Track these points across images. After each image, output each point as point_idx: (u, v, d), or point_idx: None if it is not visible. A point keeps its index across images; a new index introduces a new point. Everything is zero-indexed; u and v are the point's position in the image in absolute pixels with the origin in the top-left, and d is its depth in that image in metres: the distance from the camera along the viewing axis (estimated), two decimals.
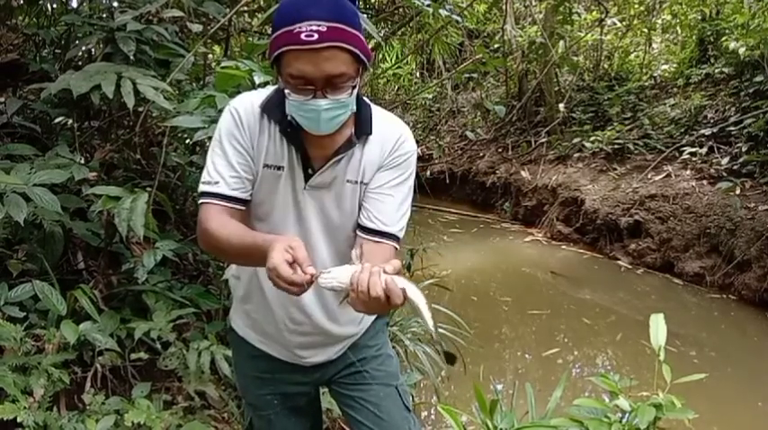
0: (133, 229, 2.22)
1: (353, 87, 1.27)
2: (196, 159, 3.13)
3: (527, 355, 4.70)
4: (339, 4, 1.23)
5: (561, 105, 8.47)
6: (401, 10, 5.39)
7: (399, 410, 1.62)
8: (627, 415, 1.78)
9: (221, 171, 1.37)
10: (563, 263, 6.79)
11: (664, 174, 6.81)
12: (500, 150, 9.63)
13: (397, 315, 3.37)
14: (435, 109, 10.99)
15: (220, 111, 2.25)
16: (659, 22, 9.37)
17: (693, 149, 6.76)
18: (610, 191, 7.14)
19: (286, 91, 1.27)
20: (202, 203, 1.38)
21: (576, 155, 8.07)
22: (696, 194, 6.25)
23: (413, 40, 7.89)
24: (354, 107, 1.33)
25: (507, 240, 7.84)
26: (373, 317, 1.65)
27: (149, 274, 2.53)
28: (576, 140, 8.09)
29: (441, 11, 3.71)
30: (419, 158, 1.50)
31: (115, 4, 3.17)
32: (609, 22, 8.85)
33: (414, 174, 1.46)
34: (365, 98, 1.43)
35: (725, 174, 6.23)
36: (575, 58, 9.16)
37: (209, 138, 2.27)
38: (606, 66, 9.38)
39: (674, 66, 8.67)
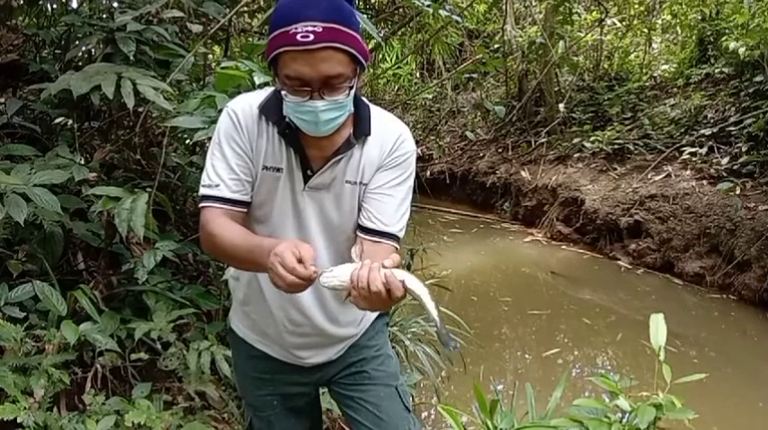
0: (133, 230, 2.22)
1: (351, 88, 1.27)
2: (196, 160, 3.13)
3: (527, 355, 4.70)
4: (335, 5, 1.22)
5: (561, 105, 8.46)
6: (401, 10, 5.39)
7: (399, 410, 1.62)
8: (627, 415, 1.78)
9: (221, 174, 1.37)
10: (563, 263, 6.79)
11: (664, 175, 6.81)
12: (500, 150, 9.63)
13: (397, 315, 3.37)
14: (435, 109, 10.99)
15: (220, 111, 2.25)
16: (659, 22, 9.37)
17: (693, 149, 6.76)
18: (610, 191, 7.14)
19: (283, 92, 1.26)
20: (204, 207, 1.38)
21: (576, 155, 8.07)
22: (696, 194, 6.25)
23: (413, 40, 7.90)
24: (352, 108, 1.32)
25: (507, 240, 7.84)
26: (373, 317, 1.65)
27: (149, 275, 2.53)
28: (576, 140, 8.09)
29: (441, 11, 3.71)
30: (419, 158, 1.50)
31: (115, 4, 3.17)
32: (609, 22, 8.85)
33: (413, 174, 1.46)
34: (364, 98, 1.43)
35: (725, 174, 6.22)
36: (575, 58, 9.16)
37: (209, 139, 2.27)
38: (606, 66, 9.38)
39: (674, 66, 8.66)
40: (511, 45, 8.90)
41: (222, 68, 2.39)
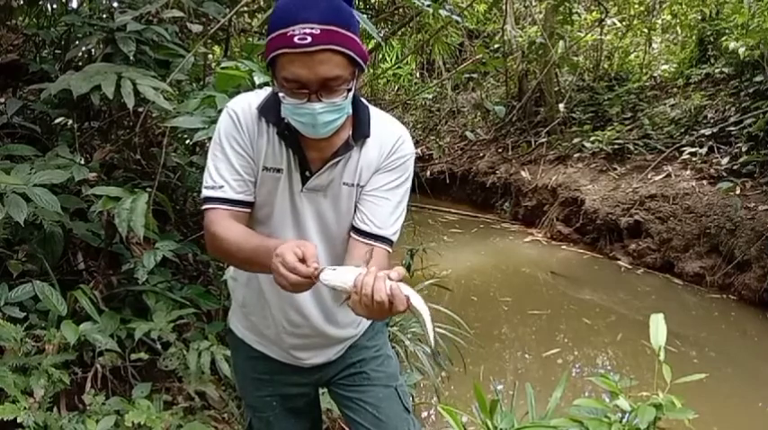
0: (133, 230, 2.22)
1: (349, 90, 1.26)
2: (196, 160, 3.13)
3: (527, 355, 4.70)
4: (333, 6, 1.21)
5: (561, 105, 8.46)
6: (401, 10, 5.39)
7: (399, 411, 1.62)
8: (627, 415, 1.78)
9: (224, 175, 1.36)
10: (563, 263, 6.79)
11: (664, 175, 6.81)
12: (500, 150, 9.63)
13: (397, 315, 3.37)
14: (435, 109, 10.99)
15: (220, 111, 2.25)
16: (659, 22, 9.37)
17: (693, 149, 6.76)
18: (610, 191, 7.14)
19: (281, 94, 1.26)
20: (208, 209, 1.38)
21: (576, 155, 8.07)
22: (696, 194, 6.25)
23: (413, 40, 7.90)
24: (350, 110, 1.32)
25: (507, 240, 7.84)
26: None
27: (149, 275, 2.53)
28: (576, 140, 8.09)
29: (441, 11, 3.71)
30: (419, 158, 1.49)
31: (115, 4, 3.17)
32: (609, 22, 8.85)
33: (411, 178, 1.45)
34: (363, 100, 1.42)
35: (725, 174, 6.22)
36: (575, 58, 9.16)
37: (209, 139, 2.28)
38: (606, 66, 9.38)
39: (674, 66, 8.67)
40: (511, 45, 8.90)
41: (222, 68, 2.39)
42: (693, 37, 8.53)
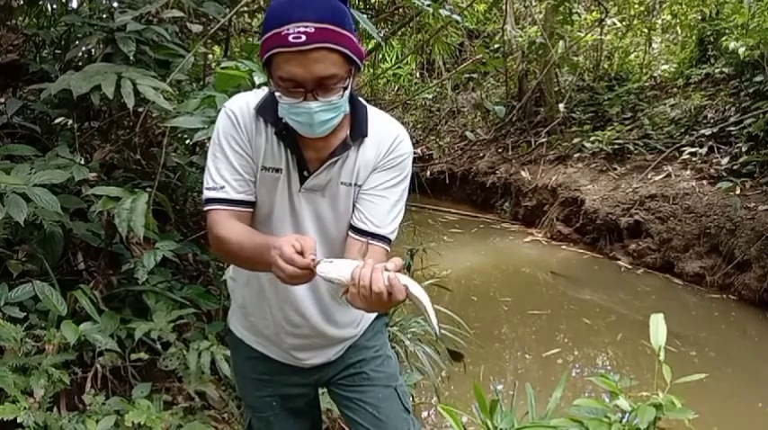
0: (133, 230, 2.22)
1: (345, 89, 1.26)
2: (196, 160, 3.13)
3: (527, 355, 4.70)
4: (327, 5, 1.21)
5: (561, 105, 8.46)
6: (401, 10, 5.39)
7: (399, 411, 1.62)
8: (627, 415, 1.78)
9: (225, 175, 1.36)
10: (563, 263, 6.79)
11: (664, 175, 6.81)
12: (500, 150, 9.63)
13: (397, 315, 3.37)
14: (435, 109, 11.00)
15: (220, 111, 2.26)
16: (659, 22, 9.37)
17: (693, 149, 6.76)
18: (610, 191, 7.14)
19: (277, 94, 1.26)
20: (210, 210, 1.38)
21: (576, 155, 8.07)
22: (696, 194, 6.25)
23: (413, 40, 7.90)
24: (347, 109, 1.32)
25: (507, 240, 7.84)
26: (372, 318, 1.64)
27: (149, 275, 2.53)
28: (575, 140, 8.09)
29: (441, 11, 3.71)
30: (419, 158, 1.49)
31: (115, 4, 3.17)
32: (609, 22, 8.85)
33: (409, 177, 1.45)
34: (361, 99, 1.42)
35: (725, 174, 6.22)
36: (575, 58, 9.16)
37: (209, 139, 2.28)
38: (606, 66, 9.38)
39: (674, 66, 8.67)
40: (511, 45, 8.90)
41: (222, 68, 2.39)
42: (693, 37, 8.53)
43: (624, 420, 1.77)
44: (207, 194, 1.38)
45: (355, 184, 1.41)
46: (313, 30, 1.17)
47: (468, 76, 9.17)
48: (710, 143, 6.74)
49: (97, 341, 2.26)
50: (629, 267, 6.50)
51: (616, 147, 7.56)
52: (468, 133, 9.18)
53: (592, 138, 7.86)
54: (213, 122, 2.23)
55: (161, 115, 2.78)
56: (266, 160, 1.38)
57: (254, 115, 1.36)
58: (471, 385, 2.44)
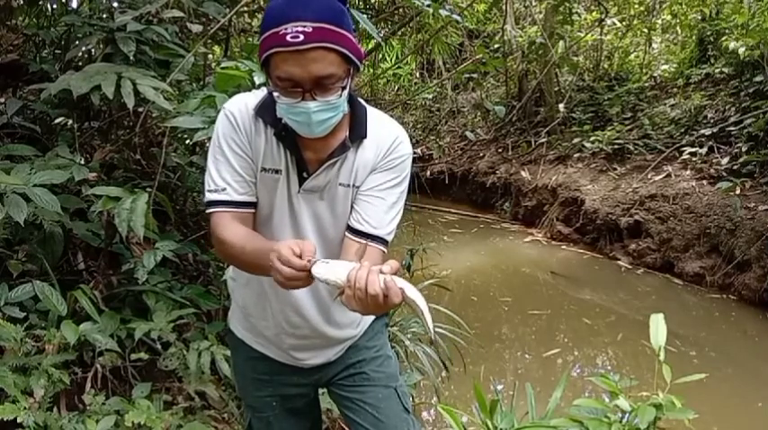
0: (133, 230, 2.22)
1: (343, 88, 1.25)
2: (196, 160, 3.13)
3: (527, 355, 4.70)
4: (325, 4, 1.21)
5: (561, 105, 8.47)
6: (401, 10, 5.39)
7: (399, 412, 1.62)
8: (627, 415, 1.78)
9: (226, 177, 1.36)
10: (563, 263, 6.79)
11: (664, 175, 6.81)
12: (500, 150, 9.64)
13: (397, 315, 3.37)
14: (435, 109, 11.00)
15: (220, 111, 2.25)
16: (659, 22, 9.37)
17: (693, 149, 6.76)
18: (610, 191, 7.14)
19: (275, 94, 1.25)
20: (212, 213, 1.38)
21: (576, 155, 8.07)
22: (696, 194, 6.25)
23: (413, 40, 7.89)
24: (346, 108, 1.31)
25: (507, 240, 7.84)
26: (372, 318, 1.64)
27: (149, 275, 2.53)
28: (575, 140, 8.09)
29: (441, 11, 3.71)
30: (419, 158, 1.49)
31: (115, 4, 3.17)
32: (609, 22, 8.85)
33: (408, 178, 1.45)
34: (360, 100, 1.42)
35: (725, 174, 6.22)
36: (575, 58, 9.16)
37: (209, 139, 2.27)
38: (606, 66, 9.38)
39: (674, 66, 8.67)
40: (511, 45, 8.90)
41: (222, 68, 2.39)
42: (693, 37, 8.53)
43: (624, 420, 1.77)
44: (209, 197, 1.38)
45: (353, 186, 1.40)
46: (311, 29, 1.17)
47: (468, 76, 9.17)
48: (710, 143, 6.74)
49: (97, 341, 2.26)
50: (629, 267, 6.50)
51: (616, 147, 7.57)
52: (468, 133, 9.18)
53: (592, 138, 7.86)
54: (213, 122, 2.23)
55: (161, 115, 2.78)
56: (266, 161, 1.37)
57: (253, 116, 1.36)
58: (471, 385, 2.44)
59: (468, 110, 10.89)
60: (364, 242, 1.38)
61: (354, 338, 1.62)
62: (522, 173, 8.69)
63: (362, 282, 1.12)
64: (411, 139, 1.47)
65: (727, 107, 7.07)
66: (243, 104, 1.37)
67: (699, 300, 5.62)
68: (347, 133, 1.37)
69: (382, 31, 5.36)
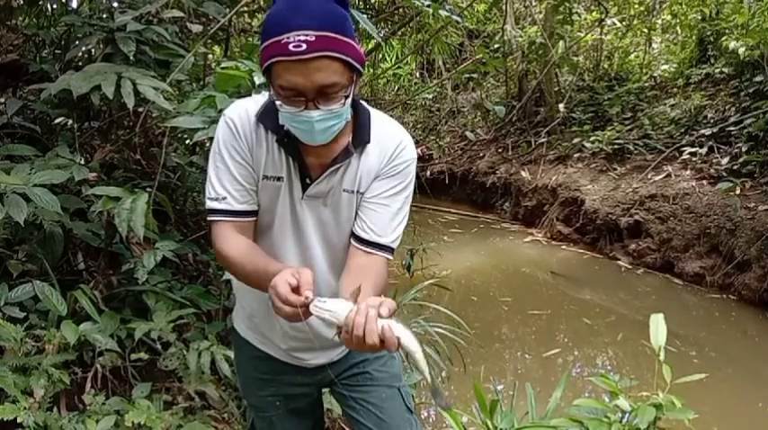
0: (133, 230, 2.22)
1: (347, 97, 1.24)
2: (196, 160, 3.13)
3: (527, 356, 4.69)
4: (327, 11, 1.19)
5: (561, 105, 8.47)
6: (401, 10, 5.40)
7: (401, 412, 1.62)
8: (627, 415, 1.78)
9: (226, 186, 1.35)
10: (563, 263, 6.79)
11: (664, 175, 6.81)
12: (500, 150, 9.64)
13: (397, 315, 3.37)
14: (435, 109, 11.00)
15: (220, 111, 2.26)
16: (659, 22, 9.37)
17: (693, 149, 6.76)
18: (610, 191, 7.14)
19: (278, 102, 1.24)
20: (213, 221, 1.38)
21: (576, 155, 8.07)
22: (696, 194, 6.25)
23: (413, 40, 7.90)
24: (349, 116, 1.30)
25: (507, 240, 7.84)
26: None
27: (149, 275, 2.53)
28: (575, 140, 8.09)
29: (441, 11, 3.71)
30: (419, 159, 1.48)
31: (115, 4, 3.17)
32: (609, 22, 8.85)
33: (412, 183, 1.44)
34: (363, 103, 1.40)
35: (725, 174, 6.22)
36: (575, 58, 9.16)
37: (210, 139, 2.27)
38: (606, 66, 9.38)
39: (674, 66, 8.67)
40: (511, 45, 8.90)
41: (222, 68, 2.39)
42: (693, 37, 8.53)
43: (624, 420, 1.77)
44: (209, 205, 1.38)
45: (358, 192, 1.39)
46: (314, 38, 1.15)
47: (468, 76, 9.17)
48: (710, 143, 6.74)
49: (97, 341, 2.26)
50: (629, 267, 6.50)
51: (616, 147, 7.57)
52: (468, 133, 9.18)
53: (592, 138, 7.86)
54: (213, 122, 2.23)
55: (161, 115, 2.78)
56: (267, 169, 1.36)
57: (254, 123, 1.35)
58: (471, 385, 2.44)
59: (468, 110, 10.89)
60: (369, 250, 1.38)
61: None
62: (522, 173, 8.69)
63: (360, 330, 1.13)
64: (413, 141, 1.46)
65: (727, 107, 7.07)
66: (243, 111, 1.36)
67: (699, 300, 5.62)
68: (350, 138, 1.36)
69: (382, 31, 5.36)
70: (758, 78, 6.65)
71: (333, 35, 1.18)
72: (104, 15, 3.14)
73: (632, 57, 9.39)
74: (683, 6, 8.75)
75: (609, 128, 7.96)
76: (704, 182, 6.36)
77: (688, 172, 6.65)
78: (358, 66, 1.24)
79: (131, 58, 2.58)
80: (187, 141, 3.33)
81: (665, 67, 8.81)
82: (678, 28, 9.19)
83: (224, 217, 1.36)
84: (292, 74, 1.18)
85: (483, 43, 9.60)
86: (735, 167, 6.23)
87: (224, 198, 1.35)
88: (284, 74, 1.19)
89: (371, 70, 8.69)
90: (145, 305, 2.55)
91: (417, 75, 11.68)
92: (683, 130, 7.29)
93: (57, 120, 3.09)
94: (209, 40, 3.50)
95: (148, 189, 2.46)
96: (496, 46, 9.11)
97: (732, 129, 6.61)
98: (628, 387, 1.86)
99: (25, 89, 3.22)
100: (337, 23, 1.19)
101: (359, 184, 1.39)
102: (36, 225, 2.48)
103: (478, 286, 6.11)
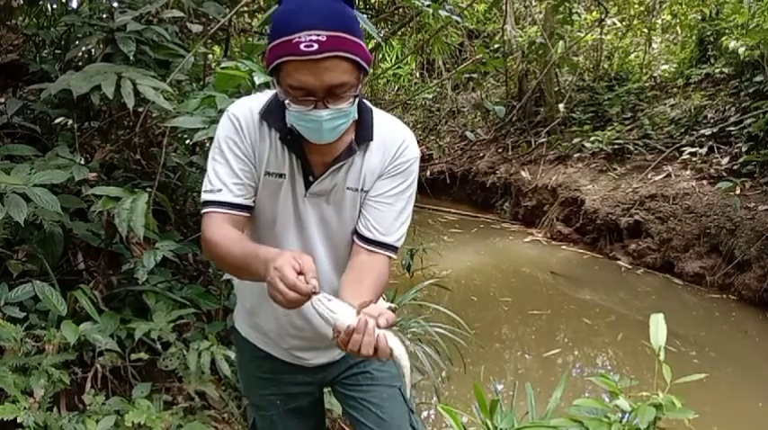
0: (133, 230, 2.22)
1: (355, 96, 1.25)
2: (196, 160, 3.13)
3: (527, 356, 4.70)
4: (338, 12, 1.20)
5: (561, 105, 8.46)
6: (401, 10, 5.40)
7: (402, 411, 1.62)
8: (627, 415, 1.78)
9: (223, 178, 1.35)
10: (563, 263, 6.79)
11: (664, 175, 6.81)
12: (500, 150, 9.64)
13: (397, 315, 3.37)
14: (435, 109, 11.00)
15: (220, 111, 2.25)
16: (659, 22, 9.37)
17: (693, 149, 6.76)
18: (610, 191, 7.14)
19: (286, 101, 1.24)
20: (205, 213, 1.37)
21: (576, 155, 8.07)
22: (696, 194, 6.25)
23: (413, 40, 7.90)
24: (356, 115, 1.30)
25: (507, 240, 7.84)
26: None
27: (149, 275, 2.53)
28: (575, 140, 8.09)
29: (441, 11, 3.71)
30: (419, 158, 1.48)
31: (115, 4, 3.17)
32: (609, 22, 8.85)
33: (416, 181, 1.44)
34: (366, 102, 1.41)
35: (725, 174, 6.22)
36: (575, 58, 9.16)
37: (210, 139, 2.27)
38: (606, 66, 9.38)
39: (674, 66, 8.67)
40: (511, 45, 8.90)
41: (222, 68, 2.39)
42: (693, 37, 8.53)
43: (624, 420, 1.77)
44: (204, 196, 1.37)
45: (362, 190, 1.40)
46: (325, 38, 1.16)
47: (468, 76, 9.16)
48: (710, 143, 6.74)
49: (97, 341, 2.26)
50: (629, 267, 6.50)
51: (616, 147, 7.57)
52: (468, 133, 9.18)
53: (592, 138, 7.86)
54: (213, 122, 2.23)
55: (161, 115, 2.78)
56: (269, 166, 1.36)
57: (258, 120, 1.35)
58: (471, 385, 2.44)
59: (468, 110, 10.89)
60: (373, 249, 1.38)
61: None
62: (522, 173, 8.69)
63: (357, 345, 1.14)
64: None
65: (727, 107, 7.07)
66: (247, 109, 1.36)
67: (699, 300, 5.62)
68: (353, 136, 1.36)
69: (382, 31, 5.36)
70: (758, 78, 6.65)
71: (343, 35, 1.18)
72: (104, 15, 3.14)
73: (632, 57, 9.39)
74: (683, 6, 8.75)
75: (609, 128, 7.96)
76: (704, 182, 6.36)
77: (688, 172, 6.65)
78: (366, 66, 1.24)
79: (131, 58, 2.58)
80: (187, 141, 3.33)
81: (665, 67, 8.81)
82: (678, 28, 9.19)
83: (216, 208, 1.35)
84: (303, 73, 1.18)
85: (483, 43, 9.60)
86: (735, 167, 6.23)
87: (219, 190, 1.35)
88: (294, 73, 1.19)
89: (371, 70, 8.69)
90: (145, 305, 2.55)
91: (417, 75, 11.67)
92: (683, 130, 7.29)
93: (57, 121, 3.09)
94: (209, 40, 3.50)
95: (148, 189, 2.46)
96: (496, 46, 9.10)
97: (732, 129, 6.62)
98: (628, 387, 1.86)
99: (25, 89, 3.22)
100: (347, 24, 1.20)
101: (363, 182, 1.39)
102: (36, 225, 2.48)
103: (478, 286, 6.11)
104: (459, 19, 4.46)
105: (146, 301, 2.54)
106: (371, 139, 1.38)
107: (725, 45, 7.02)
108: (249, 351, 1.63)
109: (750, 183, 5.98)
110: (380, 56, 9.31)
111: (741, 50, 6.58)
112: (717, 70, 7.50)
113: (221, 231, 1.34)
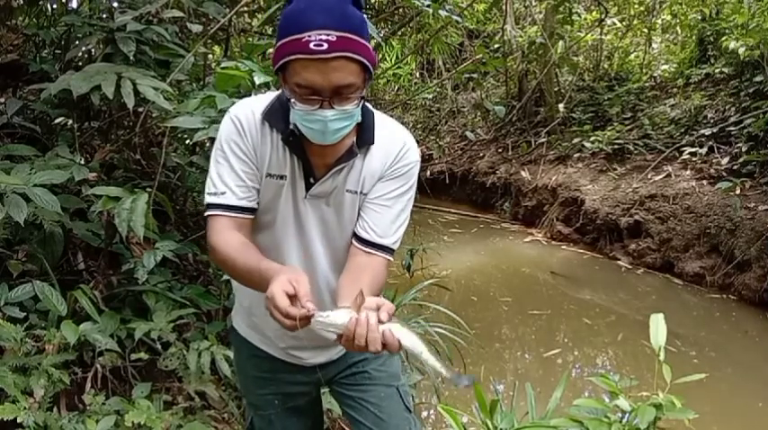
0: (133, 230, 2.22)
1: (360, 98, 1.25)
2: (196, 160, 3.13)
3: (527, 356, 4.70)
4: (349, 13, 1.20)
5: (561, 105, 8.46)
6: (401, 10, 5.40)
7: (400, 411, 1.62)
8: (627, 415, 1.78)
9: (227, 181, 1.35)
10: (563, 263, 6.79)
11: (664, 175, 6.81)
12: (500, 150, 9.64)
13: (397, 314, 3.37)
14: (435, 109, 10.99)
15: (220, 111, 2.26)
16: (659, 22, 9.37)
17: (693, 149, 6.76)
18: (610, 191, 7.14)
19: (291, 100, 1.24)
20: (210, 216, 1.37)
21: (576, 155, 8.07)
22: (696, 194, 6.25)
23: (413, 40, 7.90)
24: (360, 117, 1.30)
25: (507, 240, 7.84)
26: None
27: (149, 275, 2.53)
28: (575, 140, 8.09)
29: (440, 11, 3.71)
30: (419, 162, 1.48)
31: (115, 4, 3.17)
32: (609, 22, 8.85)
33: (415, 185, 1.44)
34: (368, 104, 1.41)
35: (725, 174, 6.23)
36: (575, 58, 9.16)
37: (210, 139, 2.27)
38: (606, 66, 9.37)
39: (674, 66, 8.67)
40: (511, 45, 8.90)
41: (222, 68, 2.39)
42: (693, 37, 8.53)
43: (624, 420, 1.77)
44: (208, 199, 1.37)
45: (361, 193, 1.40)
46: (335, 38, 1.16)
47: (468, 76, 9.15)
48: (710, 143, 6.74)
49: (97, 341, 2.26)
50: (629, 267, 6.50)
51: (616, 147, 7.57)
52: (468, 133, 9.18)
53: (592, 138, 7.86)
54: (213, 122, 2.23)
55: (161, 115, 2.78)
56: (271, 167, 1.37)
57: (260, 121, 1.35)
58: (471, 385, 2.44)
59: (468, 110, 10.88)
60: (370, 251, 1.39)
61: None
62: (522, 173, 8.69)
63: (363, 340, 1.13)
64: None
65: (727, 107, 7.07)
66: (249, 110, 1.36)
67: (699, 300, 5.62)
68: (354, 139, 1.36)
69: (382, 31, 5.36)
70: (758, 78, 6.65)
71: (353, 37, 1.19)
72: (104, 15, 3.14)
73: (632, 57, 9.38)
74: (683, 6, 8.75)
75: (609, 128, 7.96)
76: (704, 182, 6.36)
77: (688, 172, 6.65)
78: (372, 69, 1.25)
79: (131, 58, 2.58)
80: (187, 141, 3.33)
81: (665, 67, 8.81)
82: (678, 28, 9.19)
83: (221, 211, 1.36)
84: (311, 72, 1.18)
85: (483, 43, 9.59)
86: (735, 167, 6.23)
87: (223, 193, 1.35)
88: (302, 72, 1.19)
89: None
90: (145, 305, 2.55)
91: (417, 75, 11.67)
92: (683, 130, 7.29)
93: (57, 120, 3.09)
94: (209, 40, 3.50)
95: (148, 189, 2.46)
96: (496, 46, 9.10)
97: (732, 129, 6.62)
98: (628, 387, 1.86)
99: (25, 89, 3.22)
100: (357, 26, 1.20)
101: (362, 185, 1.40)
102: (36, 225, 2.48)
103: (478, 286, 6.11)
104: (459, 19, 4.46)
105: (146, 301, 2.54)
106: (373, 143, 1.38)
107: (725, 45, 7.02)
108: (247, 350, 1.63)
109: (750, 183, 5.98)
110: (380, 56, 9.32)
111: (741, 50, 6.58)
112: (717, 70, 7.50)
113: (224, 237, 1.34)
